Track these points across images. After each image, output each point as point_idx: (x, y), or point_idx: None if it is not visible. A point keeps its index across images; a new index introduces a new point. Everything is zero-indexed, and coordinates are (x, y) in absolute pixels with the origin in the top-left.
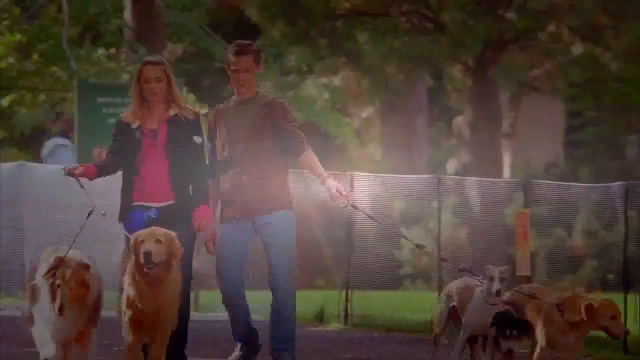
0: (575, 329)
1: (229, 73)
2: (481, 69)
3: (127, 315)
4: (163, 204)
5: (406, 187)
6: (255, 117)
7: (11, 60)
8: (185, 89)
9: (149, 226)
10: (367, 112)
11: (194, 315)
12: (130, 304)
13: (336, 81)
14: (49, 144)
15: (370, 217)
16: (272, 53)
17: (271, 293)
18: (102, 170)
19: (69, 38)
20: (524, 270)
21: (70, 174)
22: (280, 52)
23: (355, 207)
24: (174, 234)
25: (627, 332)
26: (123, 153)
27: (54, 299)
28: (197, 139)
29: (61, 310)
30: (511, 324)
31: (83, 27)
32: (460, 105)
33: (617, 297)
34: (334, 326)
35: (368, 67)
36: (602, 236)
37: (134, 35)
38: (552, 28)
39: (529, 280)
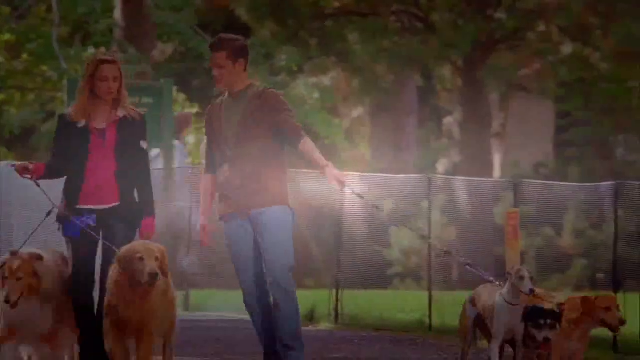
0: (576, 328)
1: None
2: (471, 69)
3: (107, 320)
4: (107, 206)
5: (396, 187)
6: (246, 109)
7: (0, 59)
8: (175, 89)
9: (84, 232)
10: (356, 111)
11: (183, 314)
12: (112, 310)
13: (326, 81)
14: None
15: (376, 207)
16: (262, 53)
17: (270, 292)
18: (50, 171)
19: (58, 37)
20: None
21: (20, 173)
22: (270, 51)
23: (360, 196)
24: (164, 248)
25: (622, 322)
26: (69, 152)
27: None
28: (144, 144)
29: (7, 301)
30: (543, 314)
31: (72, 26)
32: (449, 105)
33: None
34: (324, 325)
35: (358, 67)
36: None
37: (123, 34)
38: (541, 28)
39: None
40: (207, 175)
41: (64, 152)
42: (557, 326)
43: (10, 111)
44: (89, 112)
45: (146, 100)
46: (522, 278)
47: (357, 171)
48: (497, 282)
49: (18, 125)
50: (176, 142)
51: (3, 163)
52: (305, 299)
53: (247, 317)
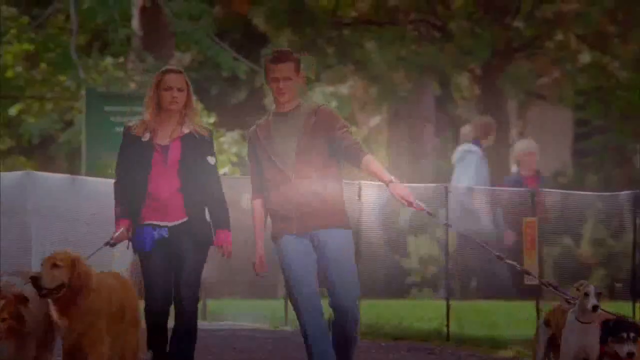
0: None
1: (268, 83)
2: (488, 77)
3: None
4: (173, 223)
5: (414, 196)
6: (302, 128)
7: (19, 69)
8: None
9: (159, 244)
10: (374, 120)
11: (201, 323)
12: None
13: (343, 89)
14: (460, 149)
15: (449, 226)
16: None
17: (333, 312)
18: (125, 205)
19: (76, 46)
20: (531, 279)
21: (114, 243)
22: None
23: (430, 213)
24: (77, 255)
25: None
26: (133, 167)
27: None
28: (211, 160)
29: None
30: (626, 327)
31: (91, 35)
32: (467, 113)
33: (625, 306)
34: None
35: (375, 76)
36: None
37: (141, 43)
38: (559, 36)
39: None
40: (257, 200)
41: (128, 166)
42: None
43: (28, 120)
44: (154, 126)
45: None
46: (586, 294)
47: (374, 180)
48: (573, 300)
49: (36, 135)
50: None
51: (22, 172)
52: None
53: (264, 326)
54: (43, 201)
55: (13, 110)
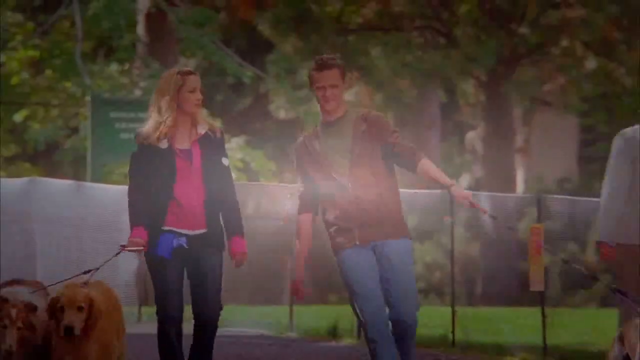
0: None
1: (313, 92)
2: (493, 83)
3: None
4: (195, 232)
5: (419, 202)
6: (354, 134)
7: (24, 75)
8: None
9: (176, 253)
10: None
11: None
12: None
13: (349, 96)
14: None
15: (510, 228)
16: (284, 68)
17: (391, 325)
18: (142, 212)
19: (82, 53)
20: (537, 286)
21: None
22: (292, 66)
23: (493, 217)
24: (95, 295)
25: None
26: (155, 175)
27: None
28: (225, 161)
29: (9, 352)
30: None
31: (96, 42)
32: (472, 120)
33: None
34: (347, 341)
35: (380, 82)
36: None
37: (146, 50)
38: (564, 43)
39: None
40: (304, 216)
41: (148, 173)
42: None
43: (33, 127)
44: (173, 131)
45: None
46: None
47: None
48: None
49: (41, 141)
50: None
51: (27, 179)
52: (328, 314)
53: (269, 332)
54: (48, 207)
55: (18, 117)
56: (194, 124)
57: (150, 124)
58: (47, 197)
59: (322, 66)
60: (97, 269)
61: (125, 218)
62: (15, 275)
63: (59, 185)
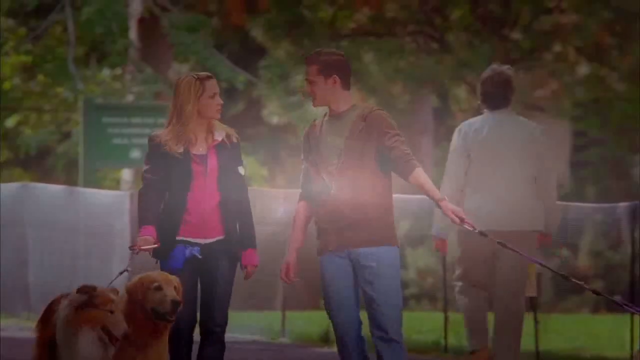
0: None
1: None
2: None
3: None
4: (208, 240)
5: (411, 207)
6: (350, 132)
7: (16, 80)
8: None
9: (188, 263)
10: None
11: (197, 336)
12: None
13: None
14: None
15: (504, 246)
16: (277, 73)
17: (378, 347)
18: (153, 212)
19: (74, 58)
20: (530, 291)
21: (137, 249)
22: (285, 72)
23: (484, 234)
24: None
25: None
26: (169, 181)
27: None
28: (241, 170)
29: None
30: None
31: (88, 47)
32: None
33: (623, 318)
34: None
35: (373, 87)
36: (608, 256)
37: (139, 55)
38: (557, 48)
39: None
40: (301, 203)
41: (162, 175)
42: None
43: (26, 132)
44: (191, 137)
45: (163, 120)
46: None
47: None
48: None
49: (34, 146)
50: None
51: (19, 184)
52: (321, 319)
53: (261, 338)
54: (40, 212)
55: (10, 122)
56: (211, 130)
57: (170, 130)
58: (40, 202)
59: (305, 61)
60: (123, 271)
61: (118, 223)
62: (8, 279)
63: (52, 190)
